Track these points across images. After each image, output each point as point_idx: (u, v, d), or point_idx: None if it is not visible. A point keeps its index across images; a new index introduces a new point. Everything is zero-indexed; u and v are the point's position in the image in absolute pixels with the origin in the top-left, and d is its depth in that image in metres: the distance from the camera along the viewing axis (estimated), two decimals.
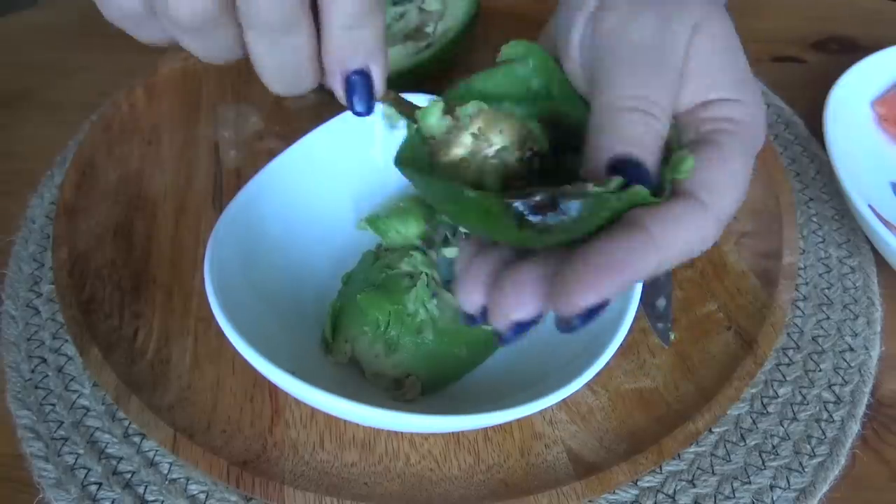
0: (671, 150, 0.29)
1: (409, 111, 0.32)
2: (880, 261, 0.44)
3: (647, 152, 0.28)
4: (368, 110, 0.29)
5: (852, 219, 0.46)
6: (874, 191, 0.46)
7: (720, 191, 0.27)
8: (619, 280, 0.24)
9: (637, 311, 0.33)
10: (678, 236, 0.26)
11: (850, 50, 0.57)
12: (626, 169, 0.27)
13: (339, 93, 0.29)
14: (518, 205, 0.26)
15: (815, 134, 0.51)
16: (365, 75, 0.28)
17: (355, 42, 0.27)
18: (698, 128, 0.30)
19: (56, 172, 0.47)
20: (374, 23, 0.27)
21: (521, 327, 0.25)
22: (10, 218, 0.45)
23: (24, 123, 0.51)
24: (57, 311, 0.40)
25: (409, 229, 0.38)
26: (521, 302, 0.25)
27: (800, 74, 0.56)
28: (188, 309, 0.40)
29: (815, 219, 0.46)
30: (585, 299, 0.24)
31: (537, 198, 0.26)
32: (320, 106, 0.42)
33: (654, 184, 0.27)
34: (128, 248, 0.42)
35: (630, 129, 0.28)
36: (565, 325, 0.25)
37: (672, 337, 0.39)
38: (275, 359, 0.29)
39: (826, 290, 0.43)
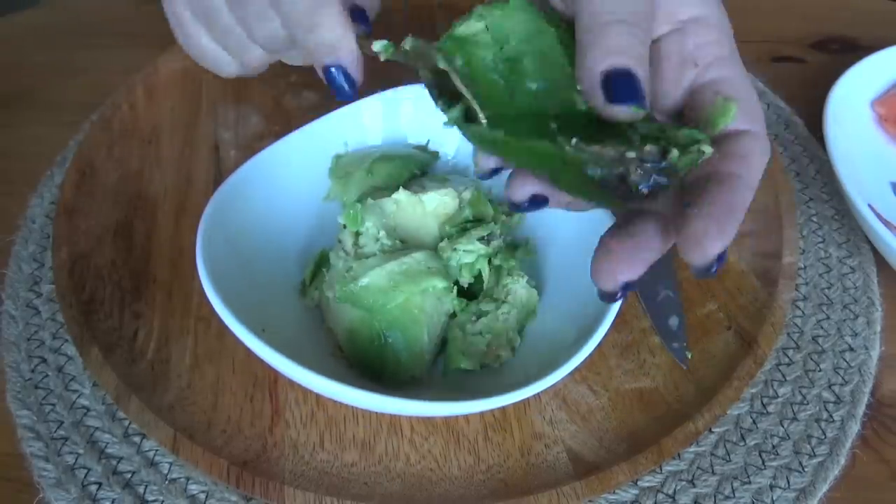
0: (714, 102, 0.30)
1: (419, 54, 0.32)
2: (880, 261, 0.44)
3: (637, 62, 0.29)
4: (351, 95, 0.34)
5: (852, 219, 0.46)
6: (874, 191, 0.46)
7: (751, 113, 0.30)
8: (736, 223, 0.27)
9: (628, 309, 0.33)
10: (755, 169, 0.29)
11: (850, 50, 0.57)
12: (619, 80, 0.28)
13: (325, 81, 0.34)
14: (630, 160, 0.27)
15: (815, 134, 0.51)
16: (338, 67, 0.33)
17: (320, 40, 0.33)
18: (693, 80, 0.31)
19: (56, 172, 0.47)
20: (328, 18, 0.33)
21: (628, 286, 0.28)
22: (10, 218, 0.45)
23: (24, 123, 0.51)
24: (57, 310, 0.40)
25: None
26: (632, 267, 0.28)
27: (800, 74, 0.56)
28: (188, 309, 0.40)
29: (815, 218, 0.46)
30: (720, 247, 0.27)
31: (648, 149, 0.27)
32: (319, 107, 0.42)
33: (644, 95, 0.28)
34: (128, 248, 0.42)
35: (617, 40, 0.29)
36: (704, 271, 0.27)
37: (689, 356, 0.38)
38: (247, 318, 0.32)
39: (826, 290, 0.43)
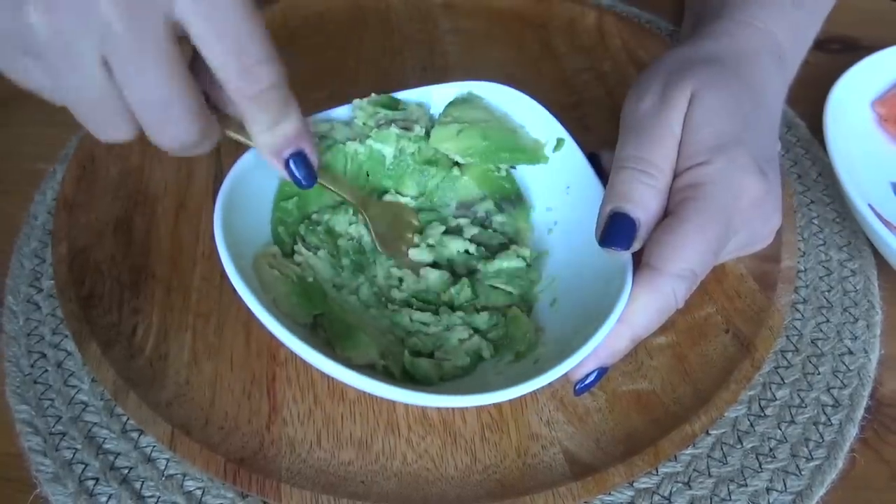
0: None
1: (342, 189, 0.39)
2: (881, 263, 0.44)
3: (638, 206, 0.33)
4: (312, 181, 0.35)
5: (854, 221, 0.46)
6: (874, 190, 0.46)
7: (670, 254, 0.32)
8: (602, 360, 0.32)
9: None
10: (639, 308, 0.32)
11: (850, 50, 0.57)
12: (617, 221, 0.33)
13: (283, 174, 0.34)
14: None
15: (816, 134, 0.50)
16: (300, 156, 0.34)
17: (284, 135, 0.33)
18: (672, 202, 0.34)
19: (59, 169, 0.47)
20: (293, 114, 0.32)
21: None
22: (11, 217, 0.45)
23: (25, 123, 0.51)
24: (57, 306, 0.40)
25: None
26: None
27: (800, 74, 0.56)
28: (187, 305, 0.40)
29: (816, 221, 0.46)
30: (581, 373, 0.33)
31: None
32: (321, 105, 0.42)
33: (641, 230, 0.33)
34: (127, 244, 0.42)
35: (624, 186, 0.34)
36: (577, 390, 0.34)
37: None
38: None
39: (826, 293, 0.43)
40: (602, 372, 0.33)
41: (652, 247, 0.33)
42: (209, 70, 0.29)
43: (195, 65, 0.30)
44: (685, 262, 0.32)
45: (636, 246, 0.33)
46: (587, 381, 0.33)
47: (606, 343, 0.32)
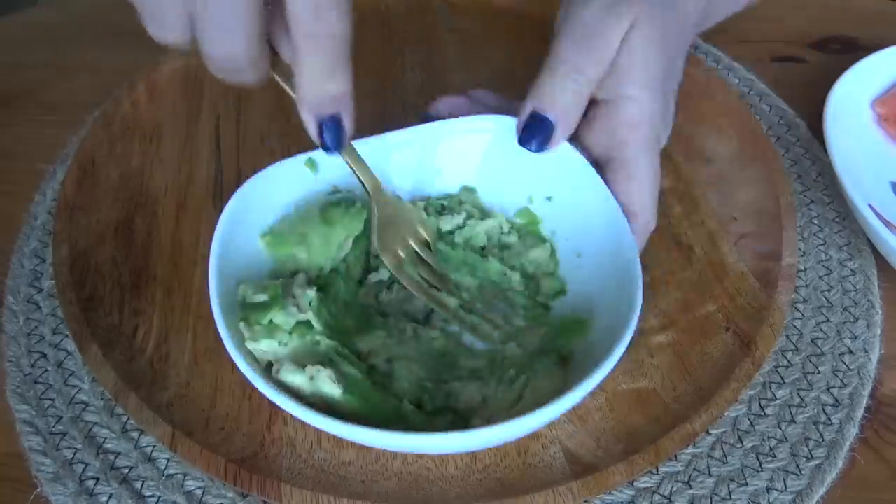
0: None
1: (361, 170, 0.37)
2: (881, 263, 0.44)
3: (560, 110, 0.36)
4: (337, 150, 0.34)
5: (854, 221, 0.46)
6: (874, 190, 0.46)
7: (640, 198, 0.37)
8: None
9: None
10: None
11: (850, 50, 0.57)
12: (535, 122, 0.36)
13: (313, 134, 0.33)
14: None
15: (816, 134, 0.51)
16: (335, 120, 0.33)
17: (328, 92, 0.31)
18: (606, 143, 0.37)
19: (58, 169, 0.47)
20: (344, 75, 0.31)
21: None
22: (11, 217, 0.45)
23: (25, 123, 0.51)
24: (57, 306, 0.40)
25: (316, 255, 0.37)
26: None
27: (800, 74, 0.56)
28: (188, 306, 0.40)
29: (816, 221, 0.46)
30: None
31: None
32: None
33: (557, 133, 0.36)
34: (128, 246, 0.42)
35: (551, 88, 0.36)
36: None
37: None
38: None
39: (826, 293, 0.43)
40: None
41: (617, 193, 0.37)
42: (282, 7, 0.29)
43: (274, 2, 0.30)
44: (650, 197, 0.37)
45: (550, 147, 0.37)
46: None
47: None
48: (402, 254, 0.38)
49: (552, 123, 0.36)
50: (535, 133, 0.36)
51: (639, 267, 0.34)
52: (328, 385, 0.32)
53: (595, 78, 0.36)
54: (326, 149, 0.34)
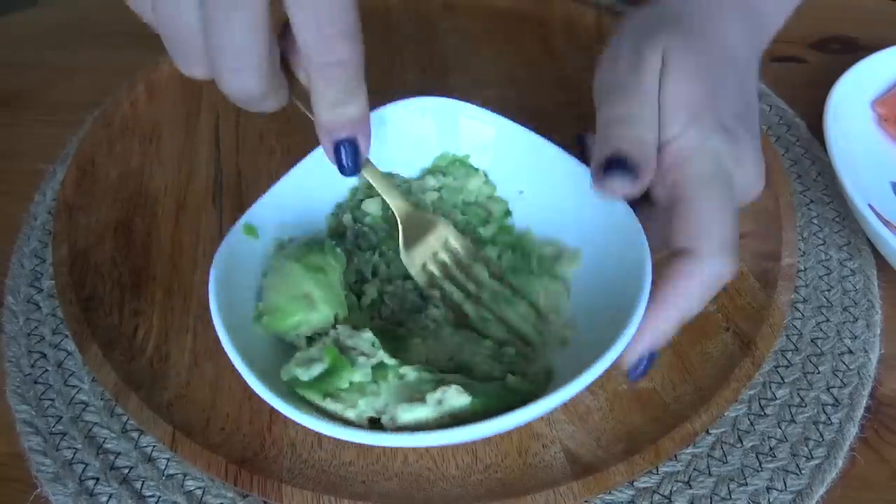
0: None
1: (384, 188, 0.37)
2: (881, 263, 0.44)
3: (633, 150, 0.33)
4: (354, 172, 0.33)
5: (854, 221, 0.46)
6: (874, 190, 0.46)
7: (698, 233, 0.32)
8: (654, 342, 0.32)
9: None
10: (690, 294, 0.32)
11: (850, 50, 0.57)
12: (615, 165, 0.33)
13: (330, 156, 0.33)
14: None
15: (816, 133, 0.51)
16: (352, 143, 0.33)
17: (342, 116, 0.32)
18: (665, 192, 0.34)
19: (58, 169, 0.47)
20: (358, 99, 0.31)
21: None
22: (11, 217, 0.45)
23: (25, 123, 0.51)
24: (57, 306, 0.40)
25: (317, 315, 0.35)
26: None
27: (800, 74, 0.56)
28: (188, 306, 0.40)
29: (816, 221, 0.46)
30: (633, 359, 0.32)
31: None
32: None
33: (642, 178, 0.33)
34: (128, 246, 0.42)
35: (615, 134, 0.34)
36: (630, 376, 0.33)
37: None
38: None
39: (826, 293, 0.43)
40: (654, 356, 0.32)
41: (676, 236, 0.32)
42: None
43: (286, 29, 0.30)
44: (717, 234, 0.32)
45: (641, 180, 0.33)
46: (640, 369, 0.32)
47: (656, 325, 0.31)
48: (434, 269, 0.38)
49: (627, 157, 0.33)
50: (618, 167, 0.33)
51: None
52: (457, 398, 0.31)
53: (653, 121, 0.34)
54: (343, 171, 0.33)
